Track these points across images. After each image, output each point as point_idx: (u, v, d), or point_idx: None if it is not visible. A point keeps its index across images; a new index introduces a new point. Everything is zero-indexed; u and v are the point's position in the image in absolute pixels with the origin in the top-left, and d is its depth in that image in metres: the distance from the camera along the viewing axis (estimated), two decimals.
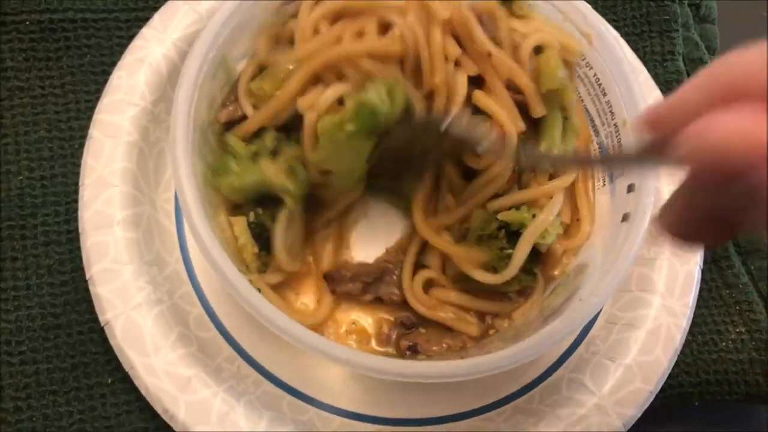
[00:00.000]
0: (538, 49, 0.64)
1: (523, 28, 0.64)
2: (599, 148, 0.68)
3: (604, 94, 0.65)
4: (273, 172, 0.62)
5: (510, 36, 0.63)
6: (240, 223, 0.62)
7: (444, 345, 0.63)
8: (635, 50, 0.77)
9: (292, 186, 0.62)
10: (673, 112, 0.38)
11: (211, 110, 0.64)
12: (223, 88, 0.65)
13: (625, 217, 0.60)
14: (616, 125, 0.64)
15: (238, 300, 0.55)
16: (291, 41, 0.65)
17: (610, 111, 0.65)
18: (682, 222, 0.42)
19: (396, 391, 0.66)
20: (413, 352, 0.63)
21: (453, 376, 0.54)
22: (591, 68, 0.66)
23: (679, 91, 0.38)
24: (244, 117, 0.65)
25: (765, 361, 0.69)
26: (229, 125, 0.65)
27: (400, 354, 0.64)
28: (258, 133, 0.64)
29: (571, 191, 0.67)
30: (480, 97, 0.61)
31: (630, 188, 0.61)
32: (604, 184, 0.66)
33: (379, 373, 0.54)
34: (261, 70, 0.65)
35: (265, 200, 0.64)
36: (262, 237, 0.63)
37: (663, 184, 0.71)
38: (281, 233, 0.63)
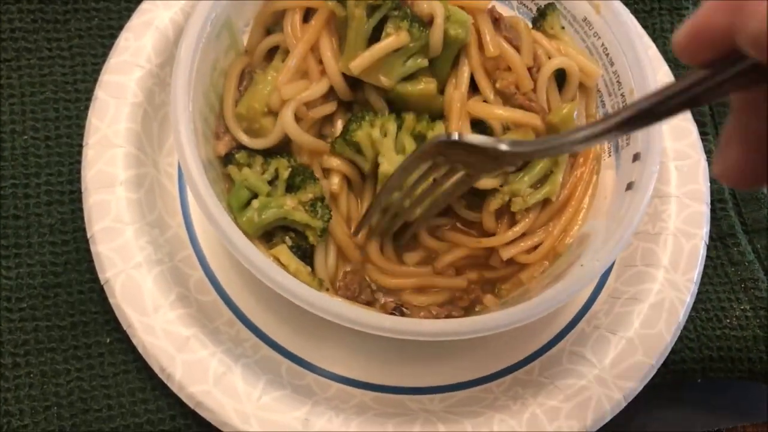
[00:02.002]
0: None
1: (547, 45, 0.65)
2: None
3: (612, 64, 0.65)
4: (295, 209, 0.61)
5: (530, 46, 0.64)
6: (284, 252, 0.61)
7: (433, 312, 0.63)
8: (645, 27, 0.77)
9: (315, 223, 0.61)
10: (706, 23, 0.35)
11: (214, 74, 0.64)
12: (228, 51, 0.65)
13: (629, 186, 0.60)
14: (623, 95, 0.64)
15: (236, 255, 0.55)
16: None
17: (618, 81, 0.64)
18: (740, 161, 0.39)
19: (395, 360, 0.66)
20: (400, 314, 0.63)
21: (450, 335, 0.54)
22: (599, 38, 0.65)
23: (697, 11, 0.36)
24: (241, 146, 0.64)
25: None
26: (229, 158, 0.64)
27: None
28: (267, 159, 0.63)
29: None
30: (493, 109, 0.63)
31: (636, 157, 0.61)
32: (610, 155, 0.66)
33: (381, 330, 0.54)
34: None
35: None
36: (307, 255, 0.63)
37: (670, 160, 0.71)
38: (322, 264, 0.64)
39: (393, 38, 0.60)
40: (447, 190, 0.59)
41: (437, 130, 0.62)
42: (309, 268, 0.62)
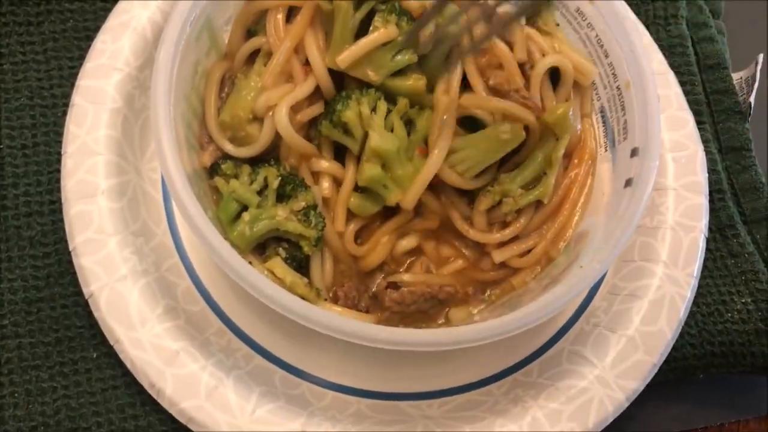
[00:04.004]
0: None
1: (542, 42, 0.63)
2: (600, 114, 0.65)
3: (606, 56, 0.63)
4: (288, 219, 0.59)
5: (524, 43, 0.62)
6: (278, 265, 0.59)
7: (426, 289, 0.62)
8: (638, 14, 0.75)
9: (309, 232, 0.59)
10: None
11: (195, 77, 0.61)
12: (209, 52, 0.63)
13: (628, 182, 0.58)
14: (618, 88, 0.62)
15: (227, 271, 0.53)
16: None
17: (613, 73, 0.62)
18: None
19: (392, 365, 0.64)
20: (395, 289, 0.62)
21: (449, 344, 0.52)
22: (593, 29, 0.63)
23: None
24: (227, 156, 0.62)
25: None
26: (215, 168, 0.62)
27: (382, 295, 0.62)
28: (254, 168, 0.61)
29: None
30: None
31: (634, 152, 0.59)
32: (606, 150, 0.64)
33: (373, 341, 0.52)
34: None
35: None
36: (302, 266, 0.61)
37: (667, 152, 0.69)
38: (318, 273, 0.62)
39: (381, 32, 0.58)
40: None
41: (427, 118, 0.61)
42: (306, 280, 0.60)
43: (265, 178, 0.60)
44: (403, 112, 0.61)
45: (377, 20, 0.59)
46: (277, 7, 0.62)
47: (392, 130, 0.60)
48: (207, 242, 0.53)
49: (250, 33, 0.65)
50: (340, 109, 0.59)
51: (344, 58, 0.58)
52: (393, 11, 0.58)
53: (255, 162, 0.62)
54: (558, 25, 0.66)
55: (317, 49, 0.61)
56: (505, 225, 0.64)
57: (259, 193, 0.60)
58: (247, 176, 0.61)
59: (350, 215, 0.62)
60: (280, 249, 0.60)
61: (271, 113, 0.60)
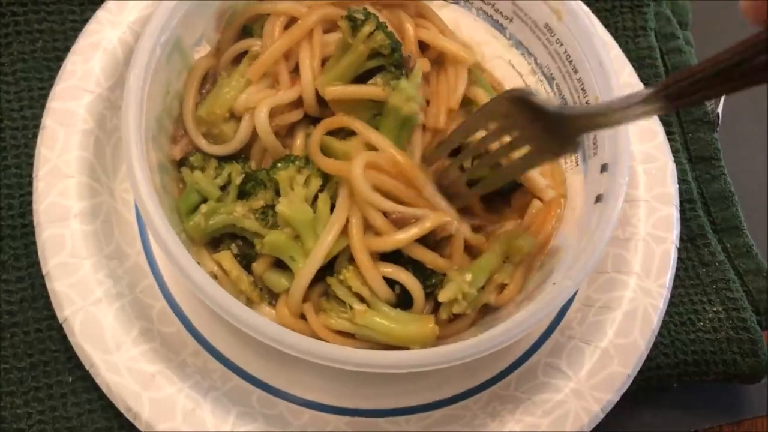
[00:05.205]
0: None
1: (424, 34, 0.65)
2: None
3: (575, 71, 0.63)
4: (245, 216, 0.60)
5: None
6: (227, 258, 0.61)
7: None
8: (606, 26, 0.76)
9: (263, 231, 0.59)
10: None
11: (167, 98, 0.61)
12: (180, 73, 0.63)
13: (598, 198, 0.59)
14: (588, 102, 0.62)
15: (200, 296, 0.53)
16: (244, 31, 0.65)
17: (582, 89, 0.63)
18: None
19: (369, 382, 0.64)
20: None
21: (424, 365, 0.53)
22: (561, 45, 0.64)
23: None
24: (199, 150, 0.63)
25: (742, 340, 0.69)
26: (183, 162, 0.63)
27: None
28: (221, 164, 0.62)
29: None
30: None
31: (603, 168, 0.59)
32: (577, 164, 0.64)
33: (346, 363, 0.52)
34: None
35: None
36: (250, 266, 0.62)
37: (638, 163, 0.70)
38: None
39: (378, 91, 0.60)
40: (513, 163, 0.59)
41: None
42: (251, 278, 0.61)
43: (229, 174, 0.61)
44: (332, 191, 0.61)
45: (380, 77, 0.60)
46: (280, 14, 0.63)
47: (313, 203, 0.60)
48: (159, 239, 0.53)
49: (244, 32, 0.65)
50: (279, 167, 0.60)
51: (333, 91, 0.60)
52: (398, 78, 0.60)
53: (224, 161, 0.63)
54: None
55: (309, 63, 0.62)
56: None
57: (223, 188, 0.62)
58: (213, 170, 0.62)
59: None
60: (233, 245, 0.61)
61: (250, 113, 0.61)
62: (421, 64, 0.63)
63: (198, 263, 0.53)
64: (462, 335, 0.62)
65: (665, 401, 0.71)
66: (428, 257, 0.60)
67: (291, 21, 0.63)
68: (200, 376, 0.61)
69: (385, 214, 0.58)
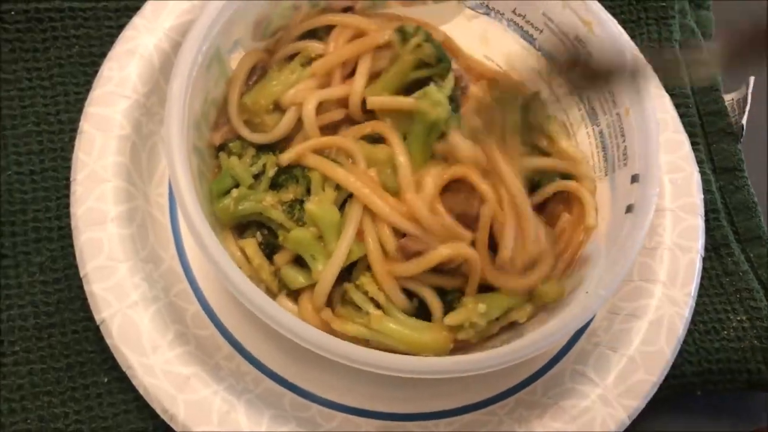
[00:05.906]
0: None
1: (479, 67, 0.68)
2: (600, 138, 0.67)
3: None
4: (273, 207, 0.61)
5: None
6: (251, 245, 0.62)
7: None
8: (632, 38, 0.76)
9: (289, 224, 0.60)
10: None
11: (205, 105, 0.62)
12: (218, 81, 0.63)
13: (629, 209, 0.60)
14: (618, 114, 0.63)
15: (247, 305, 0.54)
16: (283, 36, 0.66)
17: (612, 100, 0.64)
18: None
19: (398, 386, 0.65)
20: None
21: (456, 372, 0.54)
22: (591, 56, 0.65)
23: None
24: (239, 137, 0.64)
25: (766, 349, 0.69)
26: (222, 148, 0.64)
27: None
28: (258, 153, 0.63)
29: None
30: None
31: (634, 179, 0.60)
32: (606, 174, 0.65)
33: (380, 368, 0.53)
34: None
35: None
36: (272, 256, 0.63)
37: (664, 173, 0.71)
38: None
39: (408, 101, 0.61)
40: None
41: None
42: (273, 267, 0.62)
43: (264, 164, 0.62)
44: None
45: (422, 91, 0.61)
46: (348, 27, 0.64)
47: (341, 207, 0.61)
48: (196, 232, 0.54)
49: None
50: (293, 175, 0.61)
51: (375, 101, 0.62)
52: (443, 91, 0.61)
53: (261, 151, 0.64)
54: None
55: (365, 72, 0.63)
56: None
57: (256, 177, 0.62)
58: (249, 158, 0.63)
59: None
60: (258, 234, 0.62)
61: (296, 106, 0.62)
62: (476, 89, 0.64)
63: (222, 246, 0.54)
64: (486, 344, 0.62)
65: (690, 409, 0.72)
66: (446, 283, 0.62)
67: (356, 34, 0.64)
68: (234, 379, 0.62)
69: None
